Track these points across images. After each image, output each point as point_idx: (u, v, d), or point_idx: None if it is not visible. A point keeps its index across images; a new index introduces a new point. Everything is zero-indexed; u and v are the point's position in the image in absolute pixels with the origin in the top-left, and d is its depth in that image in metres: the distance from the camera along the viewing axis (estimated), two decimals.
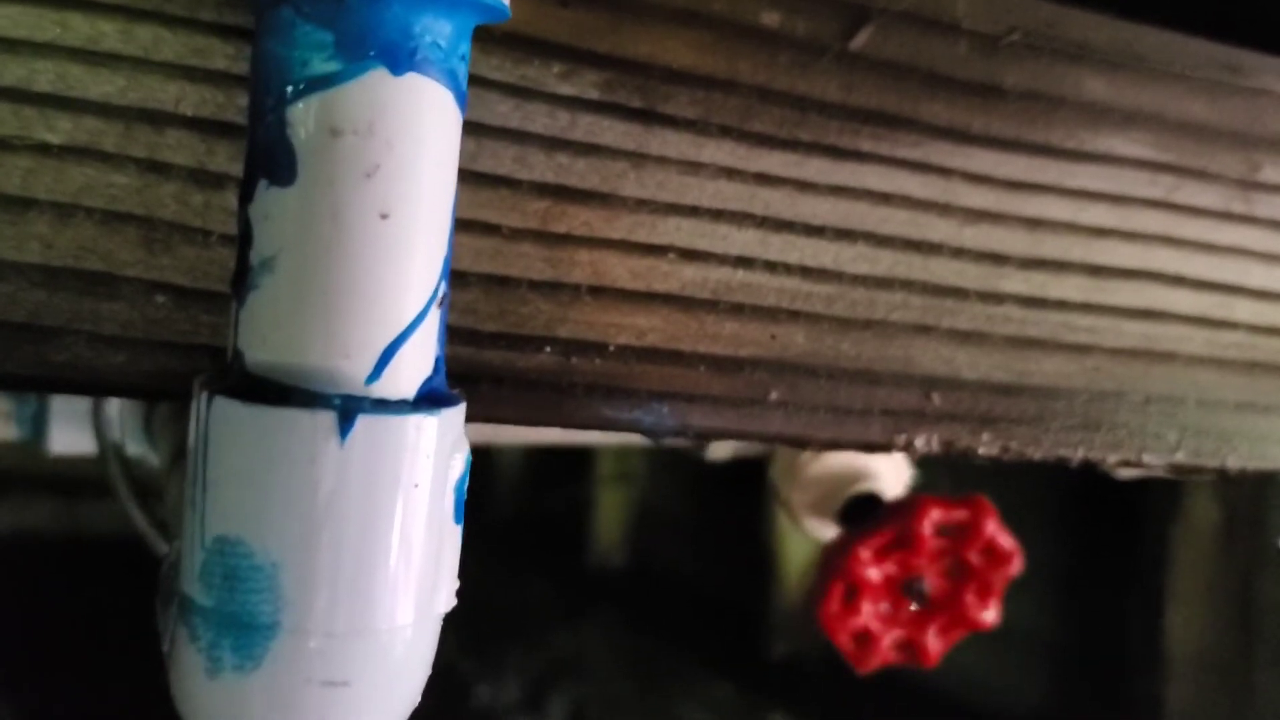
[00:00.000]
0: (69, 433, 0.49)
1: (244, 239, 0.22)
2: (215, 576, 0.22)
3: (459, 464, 0.23)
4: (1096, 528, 1.44)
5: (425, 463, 0.22)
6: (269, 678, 0.22)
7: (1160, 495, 1.28)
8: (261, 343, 0.22)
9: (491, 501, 2.92)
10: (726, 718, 1.88)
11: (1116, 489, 1.34)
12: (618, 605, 2.27)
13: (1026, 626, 1.51)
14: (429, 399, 0.23)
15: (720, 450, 0.58)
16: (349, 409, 0.21)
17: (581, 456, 2.45)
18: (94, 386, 0.32)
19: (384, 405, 0.22)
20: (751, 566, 1.92)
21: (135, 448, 0.43)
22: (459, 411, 0.24)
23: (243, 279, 0.22)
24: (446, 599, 0.24)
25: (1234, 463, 0.44)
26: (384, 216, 0.21)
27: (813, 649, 1.79)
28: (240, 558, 0.21)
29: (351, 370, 0.22)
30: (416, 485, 0.22)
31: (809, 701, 1.74)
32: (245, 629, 0.21)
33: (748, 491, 1.89)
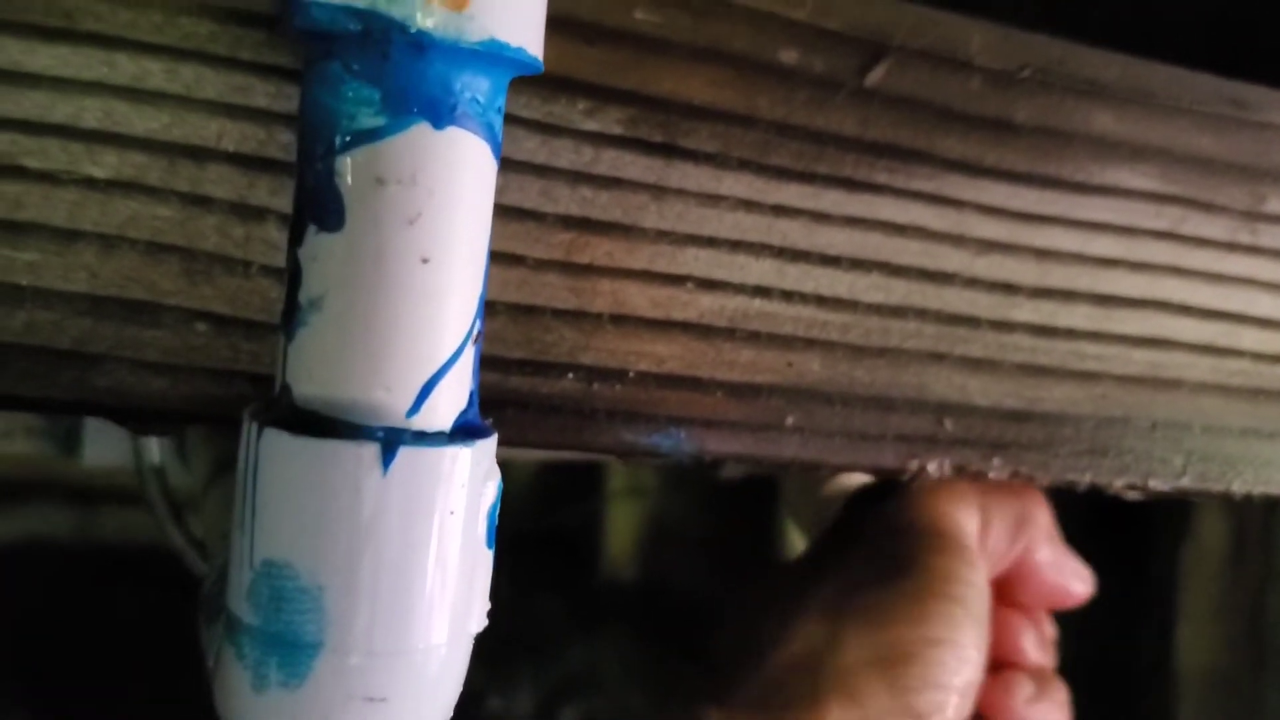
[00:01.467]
0: (102, 447, 0.50)
1: (293, 279, 0.24)
2: (263, 597, 0.23)
3: (491, 491, 0.25)
4: (1105, 547, 1.44)
5: (460, 491, 0.23)
6: (313, 694, 0.23)
7: (1169, 514, 1.28)
8: (309, 377, 0.23)
9: (503, 516, 2.92)
10: None
11: (1125, 508, 1.34)
12: (629, 620, 2.28)
13: None
14: (464, 430, 0.24)
15: (734, 468, 0.59)
16: (391, 441, 0.22)
17: (593, 471, 2.46)
18: (135, 412, 0.33)
19: (423, 437, 0.23)
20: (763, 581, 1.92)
21: (168, 464, 0.44)
22: (492, 442, 0.25)
23: (291, 316, 0.24)
24: (479, 620, 0.25)
25: (1239, 487, 0.45)
26: (425, 260, 0.22)
27: None
28: (287, 580, 0.23)
29: (393, 404, 0.23)
30: (452, 512, 0.23)
31: None
32: (291, 647, 0.23)
33: (760, 506, 1.90)
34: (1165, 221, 0.44)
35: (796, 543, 1.83)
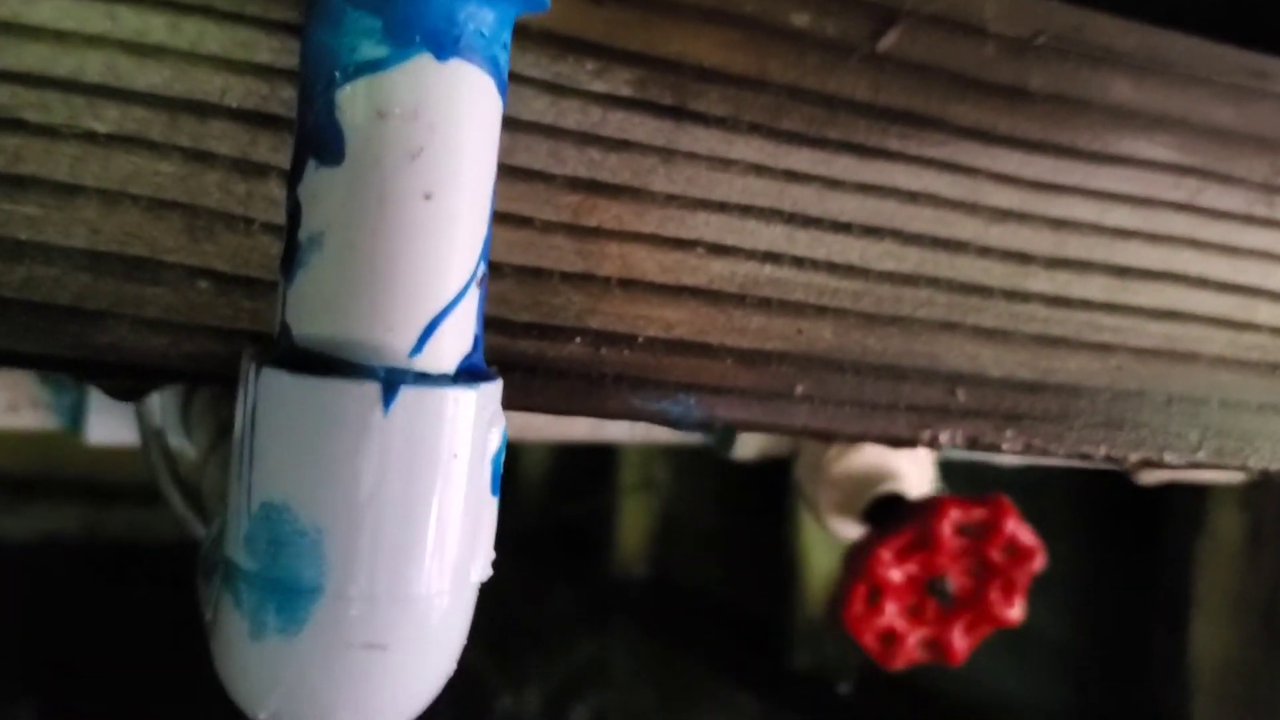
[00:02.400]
0: (107, 423, 0.50)
1: (292, 218, 0.23)
2: (261, 542, 0.23)
3: (496, 438, 0.24)
4: (1119, 538, 1.43)
5: (464, 434, 0.23)
6: (311, 640, 0.22)
7: (1184, 505, 1.27)
8: (309, 317, 0.23)
9: (514, 510, 2.92)
10: None
11: (1139, 498, 1.33)
12: (640, 615, 2.27)
13: (1049, 637, 1.51)
14: (468, 374, 0.24)
15: (746, 449, 0.58)
16: (392, 380, 0.22)
17: (604, 465, 2.45)
18: (136, 369, 0.33)
19: (425, 378, 0.23)
20: (774, 577, 1.92)
21: (172, 435, 0.43)
22: (496, 387, 0.24)
23: (291, 256, 0.23)
24: (482, 568, 0.25)
25: (1255, 462, 0.44)
26: (427, 197, 0.22)
27: (836, 660, 1.78)
28: (286, 523, 0.22)
29: (395, 344, 0.22)
30: (455, 456, 0.23)
31: (831, 713, 1.74)
32: (289, 593, 0.22)
33: (771, 501, 1.89)
34: (1183, 193, 0.43)
35: (808, 538, 1.83)
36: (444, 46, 0.22)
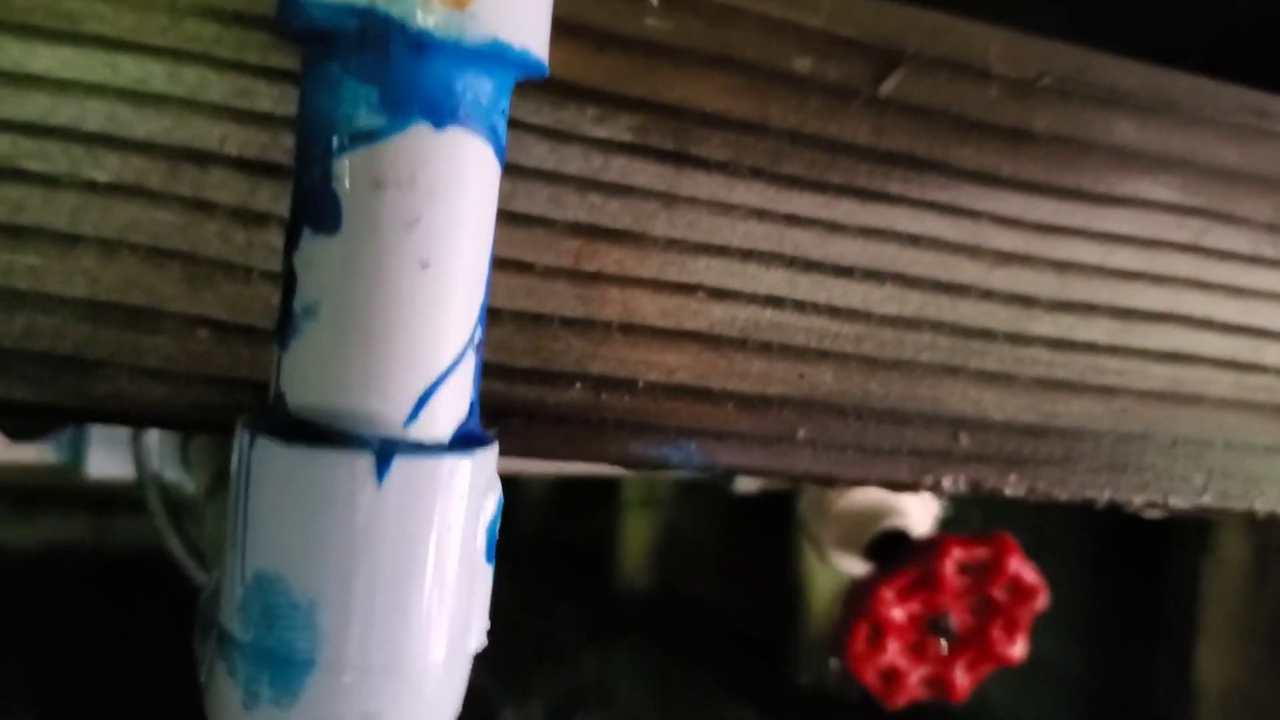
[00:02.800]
0: (106, 458, 0.50)
1: (288, 285, 0.23)
2: (254, 612, 0.22)
3: (491, 504, 0.24)
4: (1125, 564, 1.43)
5: (459, 504, 0.23)
6: (305, 712, 0.22)
7: (1190, 531, 1.27)
8: (303, 386, 0.23)
9: (517, 526, 2.92)
10: None
11: (1145, 525, 1.33)
12: (643, 631, 2.27)
13: (1053, 663, 1.50)
14: (464, 440, 0.23)
15: (748, 483, 0.58)
16: (386, 451, 0.22)
17: (608, 483, 2.45)
18: (136, 418, 0.33)
19: (420, 448, 0.22)
20: (778, 595, 1.91)
21: (171, 474, 0.43)
22: (492, 452, 0.24)
23: (286, 324, 0.23)
24: (478, 638, 0.24)
25: (1262, 506, 0.44)
26: (424, 266, 0.22)
27: (838, 679, 1.77)
28: (279, 595, 0.22)
29: (389, 413, 0.22)
30: (450, 526, 0.23)
31: None
32: (283, 664, 0.22)
33: (775, 520, 1.89)
34: (1187, 234, 0.43)
35: (812, 561, 1.82)
36: (442, 116, 0.22)
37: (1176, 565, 1.29)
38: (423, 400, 0.22)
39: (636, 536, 2.44)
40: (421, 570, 0.22)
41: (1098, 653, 1.48)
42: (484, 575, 0.24)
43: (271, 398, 0.23)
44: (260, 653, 0.22)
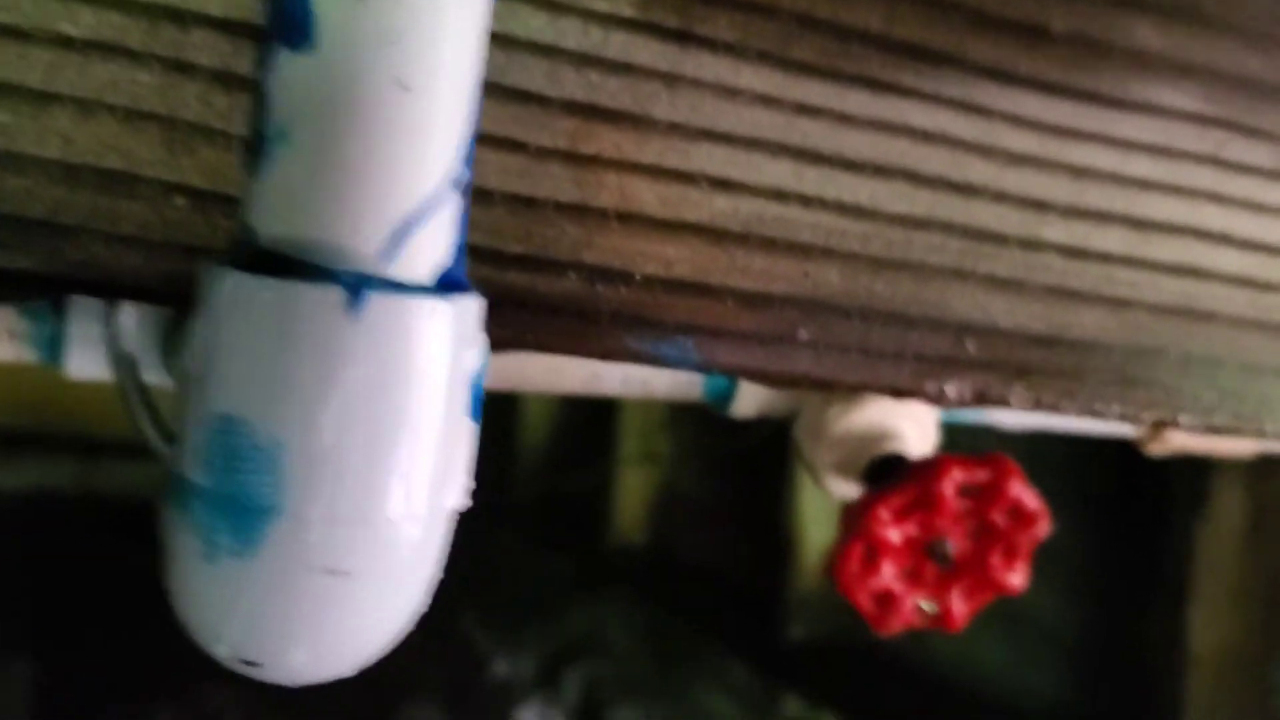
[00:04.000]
0: (87, 357, 0.48)
1: (259, 109, 0.22)
2: (215, 456, 0.21)
3: (474, 358, 0.23)
4: (1120, 525, 1.42)
5: (439, 349, 0.21)
6: (267, 563, 0.21)
7: (1187, 490, 1.26)
8: (273, 216, 0.21)
9: (514, 480, 2.92)
10: (742, 700, 1.88)
11: (1142, 483, 1.32)
12: (637, 586, 2.27)
13: (1047, 620, 1.50)
14: (445, 286, 0.22)
15: (745, 406, 0.56)
16: (360, 285, 0.20)
17: (606, 436, 2.44)
18: (109, 287, 0.32)
19: (397, 286, 0.21)
20: (771, 550, 1.91)
21: (149, 375, 0.42)
22: (477, 303, 0.23)
23: (256, 150, 0.21)
24: (459, 496, 0.23)
25: (1273, 428, 0.43)
26: (403, 87, 0.20)
27: (830, 634, 1.78)
28: (242, 436, 0.21)
29: (364, 246, 0.21)
30: (429, 372, 0.21)
31: (825, 686, 1.73)
32: (244, 511, 0.21)
33: (771, 475, 1.88)
34: (1207, 145, 0.41)
35: (806, 511, 1.82)
36: None
37: (1172, 527, 1.28)
38: (400, 235, 0.21)
39: (632, 493, 2.44)
40: (397, 417, 0.21)
41: (1091, 613, 1.47)
42: (466, 430, 0.23)
43: (240, 230, 0.22)
44: (220, 499, 0.21)
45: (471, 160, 0.22)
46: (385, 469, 0.21)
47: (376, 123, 0.20)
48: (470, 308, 0.22)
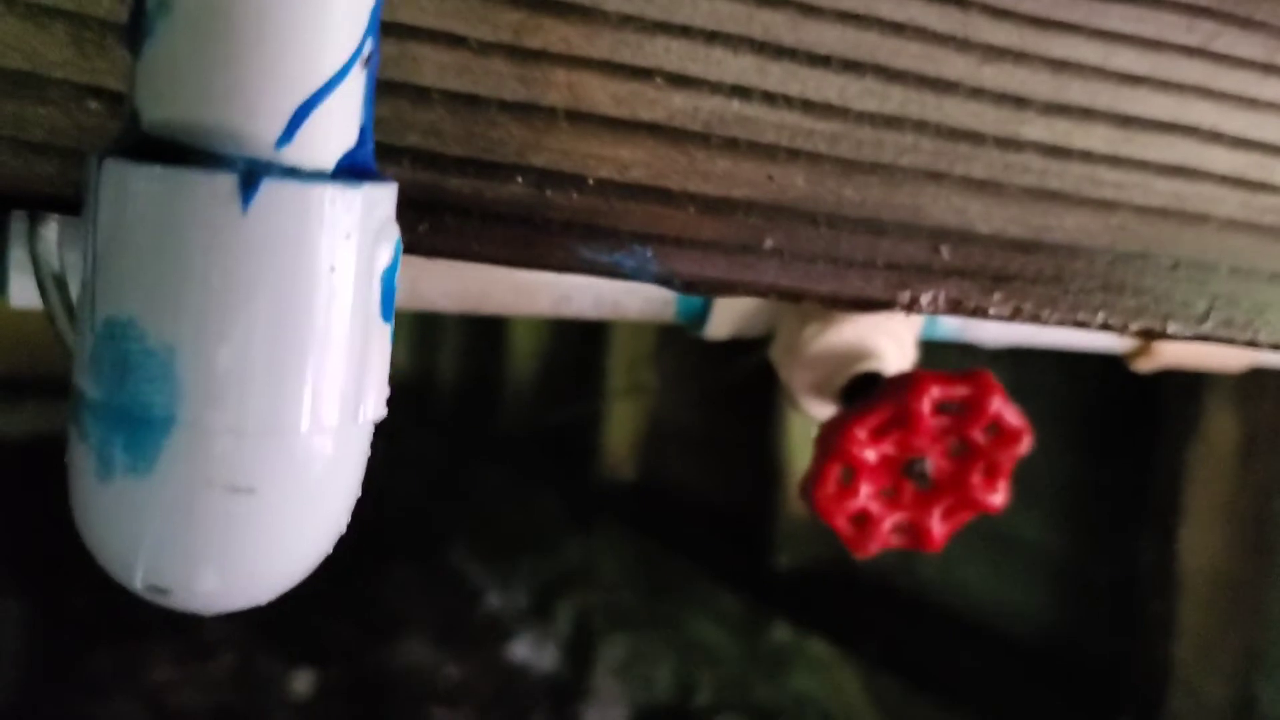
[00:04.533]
0: (30, 285, 0.46)
1: None
2: (105, 365, 0.19)
3: (387, 251, 0.21)
4: (1109, 443, 1.41)
5: (344, 242, 0.19)
6: (165, 479, 0.19)
7: (1178, 412, 1.25)
8: (159, 99, 0.19)
9: (503, 415, 2.92)
10: (732, 627, 1.88)
11: (1132, 404, 1.31)
12: (626, 517, 2.27)
13: (1034, 543, 1.50)
14: (351, 171, 0.20)
15: (720, 326, 0.55)
16: (253, 172, 0.18)
17: (593, 370, 2.43)
18: (23, 198, 0.29)
19: (295, 173, 0.19)
20: (759, 480, 1.90)
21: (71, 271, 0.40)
22: (387, 191, 0.21)
23: (137, 24, 0.19)
24: (375, 406, 0.21)
25: (1266, 337, 0.41)
26: None
27: (817, 561, 1.78)
28: (131, 341, 0.19)
29: (258, 131, 0.19)
30: (334, 268, 0.19)
31: (813, 612, 1.73)
32: (137, 423, 0.19)
33: (757, 406, 1.87)
34: (1197, 37, 0.39)
35: (793, 441, 1.81)
36: None
37: (1162, 448, 1.27)
38: (298, 118, 0.19)
39: (620, 426, 2.43)
40: (301, 318, 0.19)
41: (1079, 533, 1.47)
42: (381, 333, 0.21)
43: (125, 116, 0.20)
44: (112, 411, 0.19)
45: (377, 29, 0.20)
46: (289, 375, 0.19)
47: None
48: (379, 196, 0.20)
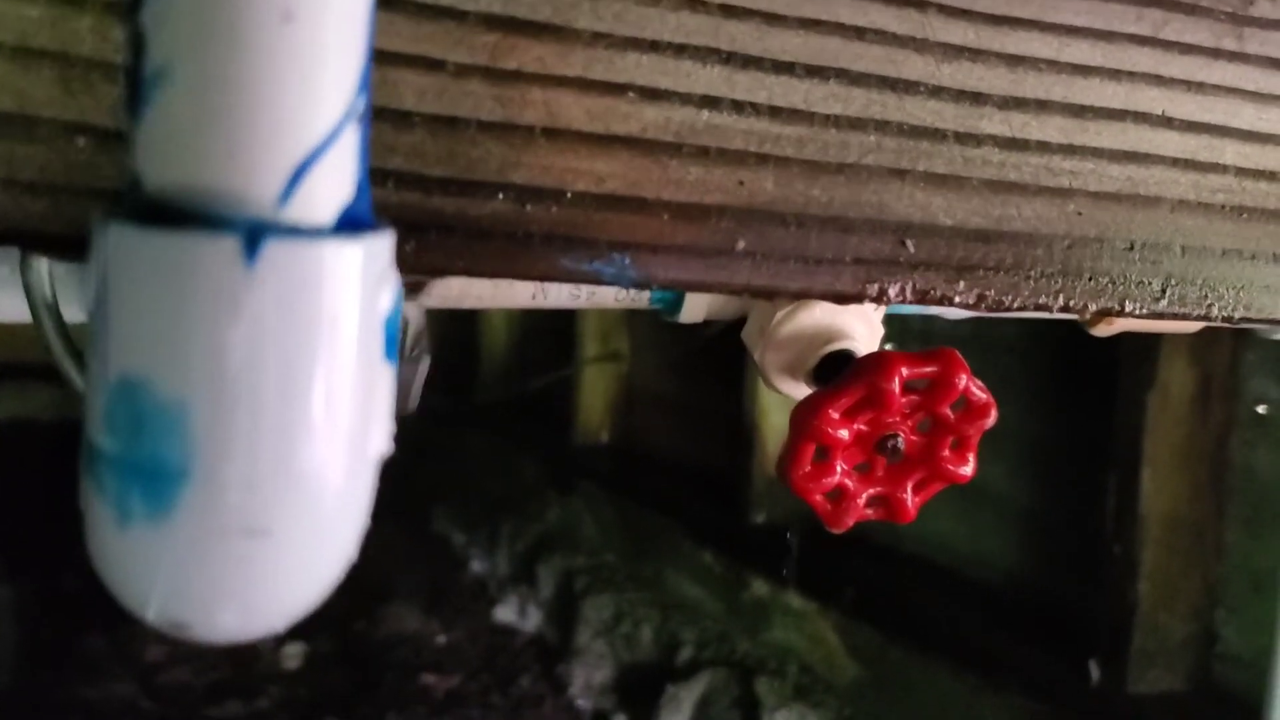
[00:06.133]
0: (12, 300, 0.47)
1: (135, 48, 0.20)
2: (120, 420, 0.20)
3: (387, 297, 0.22)
4: (1071, 395, 1.44)
5: (347, 293, 0.20)
6: (182, 527, 0.20)
7: (1136, 362, 1.27)
8: (160, 163, 0.20)
9: (481, 384, 2.93)
10: (710, 583, 1.91)
11: (1091, 357, 1.33)
12: (605, 480, 2.29)
13: (1002, 492, 1.53)
14: (350, 225, 0.21)
15: (693, 312, 0.56)
16: (256, 232, 0.19)
17: (567, 338, 2.44)
18: (15, 236, 0.30)
19: (297, 231, 0.20)
20: (733, 439, 1.92)
21: (75, 315, 0.41)
22: (385, 240, 0.22)
23: (136, 92, 0.20)
24: (381, 442, 0.22)
25: (1218, 311, 0.42)
26: (287, 18, 0.19)
27: (791, 516, 1.80)
28: (144, 398, 0.20)
29: (259, 191, 0.20)
30: (338, 318, 0.20)
31: (788, 567, 1.76)
32: (154, 476, 0.20)
33: (730, 367, 1.89)
34: (1146, 25, 0.40)
35: (766, 400, 1.82)
36: None
37: (1122, 397, 1.30)
38: (296, 177, 0.20)
39: (595, 391, 2.45)
40: (308, 367, 0.20)
41: (1044, 483, 1.50)
42: (385, 374, 0.22)
43: (128, 180, 0.21)
44: (129, 465, 0.20)
45: (368, 87, 0.21)
46: (300, 424, 0.20)
47: (261, 57, 0.19)
48: (379, 246, 0.22)
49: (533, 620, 2.18)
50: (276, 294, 0.19)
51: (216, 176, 0.19)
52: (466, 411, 2.70)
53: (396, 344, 0.22)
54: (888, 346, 0.56)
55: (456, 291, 0.52)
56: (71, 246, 0.31)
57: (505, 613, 2.22)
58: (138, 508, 0.20)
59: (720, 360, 1.95)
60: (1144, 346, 1.25)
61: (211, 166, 0.19)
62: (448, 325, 2.88)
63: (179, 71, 0.19)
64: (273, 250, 0.19)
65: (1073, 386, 1.44)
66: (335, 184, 0.21)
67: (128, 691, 1.82)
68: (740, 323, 0.60)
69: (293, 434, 0.20)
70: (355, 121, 0.21)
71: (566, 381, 2.47)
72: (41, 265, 0.34)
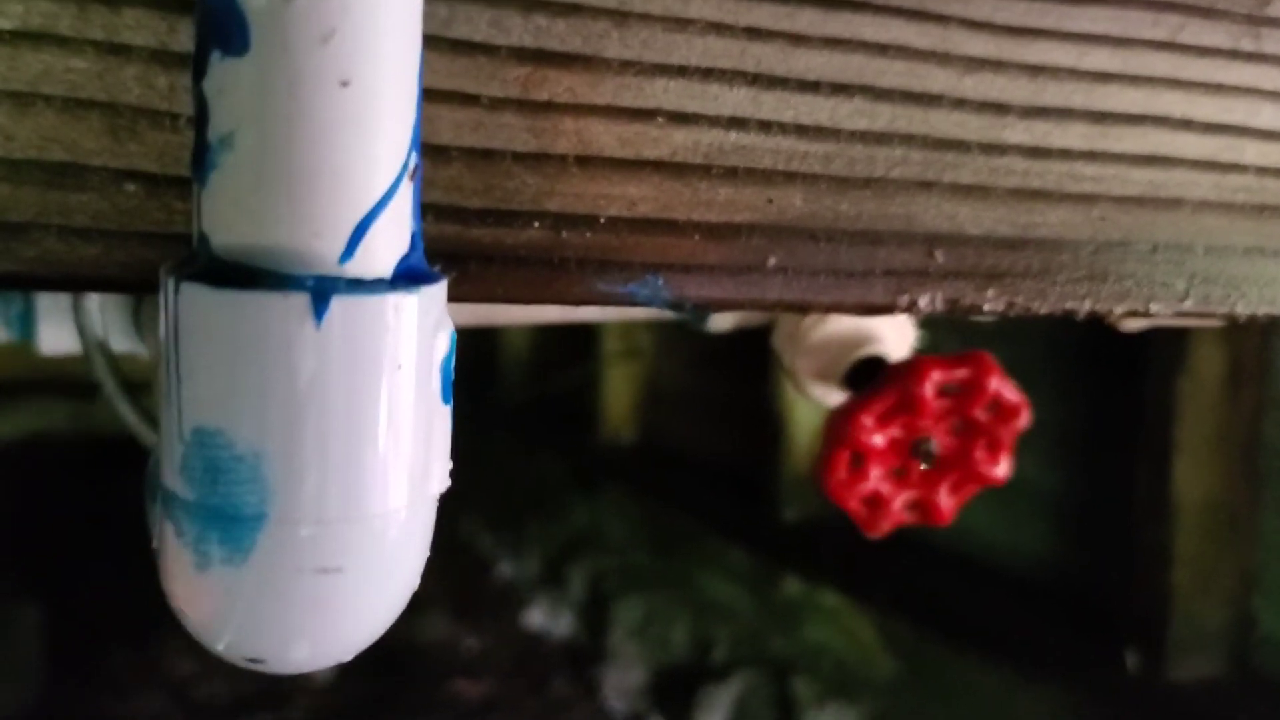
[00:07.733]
0: (58, 332, 0.48)
1: (200, 116, 0.21)
2: (196, 469, 0.21)
3: (443, 342, 0.23)
4: (1101, 383, 1.44)
5: (408, 342, 0.21)
6: (259, 568, 0.21)
7: (1165, 348, 1.27)
8: (227, 225, 0.21)
9: (503, 384, 2.94)
10: (743, 582, 1.92)
11: (1121, 343, 1.33)
12: (631, 479, 2.30)
13: (1033, 483, 1.53)
14: (407, 276, 0.22)
15: (722, 321, 0.57)
16: (323, 290, 0.20)
17: (588, 335, 2.45)
18: (69, 281, 0.31)
19: (360, 285, 0.21)
20: (760, 435, 1.93)
21: (123, 344, 0.42)
22: (440, 289, 0.23)
23: (202, 158, 0.21)
24: (440, 480, 0.23)
25: (1243, 309, 0.43)
26: (344, 84, 0.20)
27: (824, 512, 1.81)
28: (220, 449, 0.21)
29: (323, 250, 0.21)
30: (400, 366, 0.21)
31: (822, 563, 1.77)
32: (231, 521, 0.21)
33: (755, 361, 1.89)
34: (1163, 30, 0.41)
35: (793, 394, 1.83)
36: None
37: (1152, 383, 1.30)
38: (358, 234, 0.21)
39: (619, 389, 2.46)
40: (373, 414, 0.21)
41: (1076, 472, 1.50)
42: (442, 416, 0.23)
43: (195, 241, 0.22)
44: (207, 511, 0.21)
45: (419, 145, 0.22)
46: (367, 467, 0.21)
47: (320, 123, 0.20)
48: (434, 294, 0.22)
49: (563, 623, 2.19)
50: (343, 346, 0.20)
51: (282, 237, 0.20)
52: (489, 413, 2.72)
53: (452, 386, 0.23)
54: (918, 334, 0.57)
55: (487, 310, 0.53)
56: (122, 287, 0.33)
57: (535, 616, 2.24)
58: (216, 551, 0.21)
59: (744, 354, 1.95)
60: (1173, 331, 1.25)
61: (277, 227, 0.20)
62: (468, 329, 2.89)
63: (242, 137, 0.20)
64: (339, 305, 0.20)
65: (1102, 373, 1.44)
66: (393, 238, 0.21)
67: (156, 707, 1.84)
68: (759, 328, 0.60)
69: (360, 477, 0.21)
70: (409, 178, 0.22)
71: (589, 380, 2.48)
72: (93, 304, 0.35)
